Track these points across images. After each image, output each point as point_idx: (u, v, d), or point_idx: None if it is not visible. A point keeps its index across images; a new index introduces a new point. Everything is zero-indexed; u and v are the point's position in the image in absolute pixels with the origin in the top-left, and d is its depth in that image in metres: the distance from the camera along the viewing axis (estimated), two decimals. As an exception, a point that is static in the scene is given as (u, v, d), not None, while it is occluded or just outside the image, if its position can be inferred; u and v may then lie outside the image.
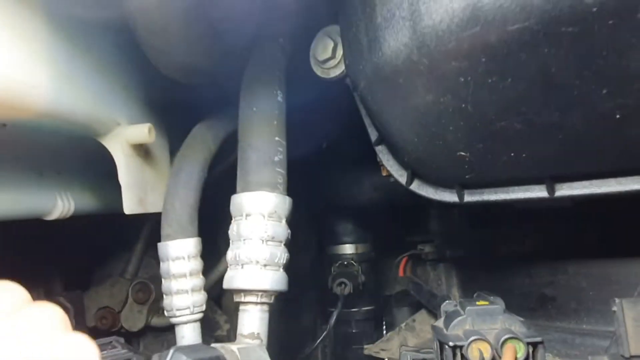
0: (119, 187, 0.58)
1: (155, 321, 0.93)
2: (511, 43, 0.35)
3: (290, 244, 0.58)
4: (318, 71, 0.61)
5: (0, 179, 0.53)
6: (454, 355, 0.53)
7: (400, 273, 1.05)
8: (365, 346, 1.01)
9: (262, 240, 0.54)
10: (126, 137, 0.57)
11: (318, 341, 1.03)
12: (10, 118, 0.45)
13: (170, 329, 0.77)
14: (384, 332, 1.23)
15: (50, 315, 0.27)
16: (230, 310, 1.00)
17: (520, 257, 0.77)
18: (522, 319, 0.55)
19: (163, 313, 0.91)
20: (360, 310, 1.17)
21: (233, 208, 0.57)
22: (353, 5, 0.49)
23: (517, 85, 0.38)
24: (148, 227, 0.88)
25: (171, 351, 0.43)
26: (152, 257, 0.93)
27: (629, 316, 0.44)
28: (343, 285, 1.06)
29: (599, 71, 0.34)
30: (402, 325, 0.96)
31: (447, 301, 0.62)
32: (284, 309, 1.05)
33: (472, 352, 0.52)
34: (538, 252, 0.75)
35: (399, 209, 1.08)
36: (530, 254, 0.75)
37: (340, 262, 1.15)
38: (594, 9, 0.32)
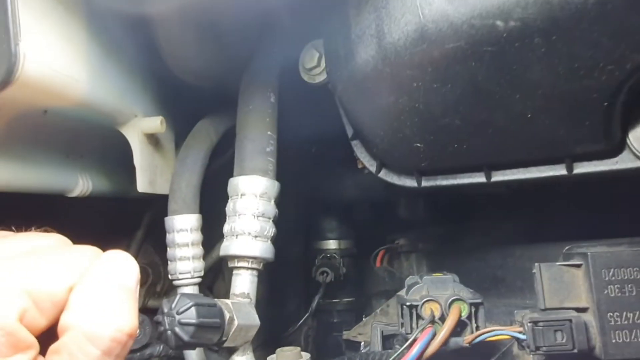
0: (130, 173, 0.68)
1: (152, 303, 1.02)
2: (448, 58, 0.47)
3: (277, 221, 0.69)
4: (305, 77, 0.72)
5: (35, 157, 0.63)
6: (410, 314, 0.64)
7: (378, 264, 1.16)
8: (344, 332, 1.11)
9: (254, 216, 0.65)
10: (141, 127, 0.68)
11: (300, 322, 1.12)
12: (53, 105, 0.56)
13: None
14: (363, 321, 1.32)
15: None
16: (221, 296, 1.10)
17: (478, 245, 0.89)
18: (470, 289, 0.66)
19: (159, 296, 1.01)
20: (342, 301, 1.26)
21: (230, 189, 0.67)
22: (334, 25, 0.60)
23: (455, 90, 0.49)
24: (148, 216, 0.98)
25: (178, 296, 0.53)
26: (150, 244, 1.02)
27: (545, 277, 0.55)
28: (325, 274, 1.16)
29: (512, 80, 0.46)
30: (378, 310, 1.06)
31: (410, 276, 0.73)
32: (271, 298, 1.14)
33: (425, 310, 0.63)
34: (492, 240, 0.86)
35: (380, 209, 1.18)
36: (486, 243, 0.86)
37: (323, 255, 1.25)
38: (505, 34, 0.43)
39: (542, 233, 0.73)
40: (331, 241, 1.29)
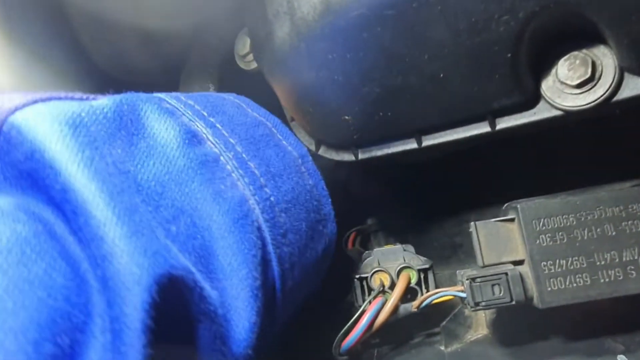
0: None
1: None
2: (355, 25, 0.47)
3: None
4: (241, 65, 0.73)
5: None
6: (362, 286, 0.64)
7: (349, 246, 1.17)
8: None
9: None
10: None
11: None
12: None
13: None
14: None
15: None
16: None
17: (436, 215, 0.89)
18: (423, 257, 0.67)
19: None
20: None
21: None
22: (253, 9, 0.60)
23: (367, 57, 0.50)
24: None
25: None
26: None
27: (481, 234, 0.55)
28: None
29: (417, 41, 0.46)
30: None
31: (366, 251, 0.74)
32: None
33: (375, 281, 0.64)
34: (448, 209, 0.87)
35: (349, 194, 1.19)
36: (443, 212, 0.87)
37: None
38: (402, -4, 0.44)
39: (490, 196, 0.74)
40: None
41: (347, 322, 0.59)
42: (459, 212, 0.82)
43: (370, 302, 0.60)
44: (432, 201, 0.92)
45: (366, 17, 0.46)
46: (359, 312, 0.60)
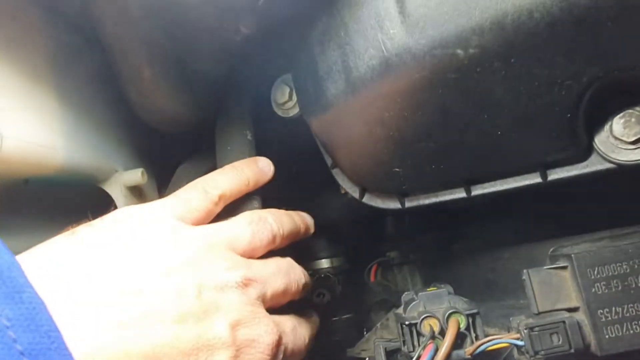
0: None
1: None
2: (415, 87, 0.49)
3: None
4: (279, 112, 0.74)
5: (17, 226, 0.63)
6: (411, 332, 0.65)
7: (372, 279, 1.17)
8: (348, 350, 1.11)
9: (246, 256, 0.66)
10: (123, 181, 0.68)
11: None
12: (33, 174, 0.56)
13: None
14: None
15: None
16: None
17: (468, 251, 0.91)
18: (465, 298, 0.68)
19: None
20: (341, 319, 1.27)
21: (219, 231, 0.68)
22: (301, 62, 0.62)
23: (425, 116, 0.51)
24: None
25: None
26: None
27: (534, 281, 0.56)
28: (322, 296, 1.17)
29: (477, 102, 0.48)
30: (378, 325, 1.07)
31: (405, 292, 0.74)
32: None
33: (425, 327, 0.64)
34: (481, 244, 0.88)
35: (369, 224, 1.20)
36: (475, 248, 0.88)
37: (317, 275, 1.25)
38: (465, 61, 0.45)
39: (528, 233, 0.75)
40: (323, 260, 1.29)
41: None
42: (493, 248, 0.83)
43: (423, 349, 0.61)
44: (464, 236, 0.93)
45: (428, 80, 0.48)
46: (414, 359, 0.60)
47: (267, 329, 0.48)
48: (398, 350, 0.79)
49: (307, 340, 0.58)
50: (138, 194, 0.72)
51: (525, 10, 0.41)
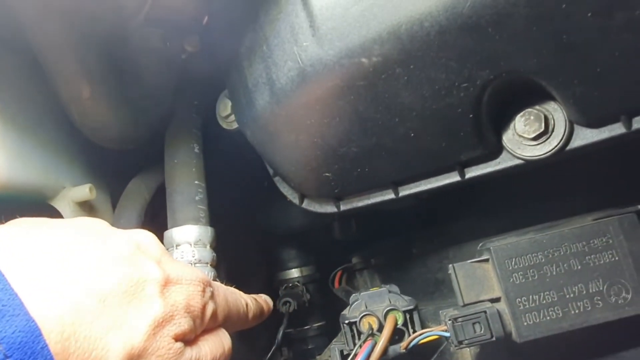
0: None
1: None
2: (330, 95, 0.52)
3: (217, 265, 0.72)
4: (224, 125, 0.77)
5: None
6: (351, 330, 0.67)
7: (336, 285, 1.19)
8: (317, 357, 1.13)
9: (192, 263, 0.68)
10: (71, 197, 0.70)
11: (269, 355, 1.14)
12: (-26, 193, 0.58)
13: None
14: (336, 344, 1.33)
15: None
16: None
17: (420, 253, 0.94)
18: (407, 297, 0.70)
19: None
20: (312, 327, 1.28)
21: (165, 242, 0.70)
22: (234, 77, 0.65)
23: (343, 122, 0.54)
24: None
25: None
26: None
27: (460, 275, 0.59)
28: (288, 304, 1.19)
29: (387, 107, 0.51)
30: (341, 332, 1.09)
31: (353, 294, 0.77)
32: (240, 336, 1.16)
33: (363, 325, 0.67)
34: (431, 247, 0.91)
35: (327, 230, 1.22)
36: (426, 250, 0.91)
37: (286, 285, 1.27)
38: (371, 69, 0.48)
39: (466, 233, 0.78)
40: (293, 270, 1.30)
41: None
42: (438, 249, 0.86)
43: (360, 345, 0.63)
44: (413, 240, 0.97)
45: (340, 88, 0.51)
46: (351, 356, 0.63)
47: None
48: (356, 352, 0.81)
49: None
50: (88, 209, 0.74)
51: (417, 20, 0.45)
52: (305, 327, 1.27)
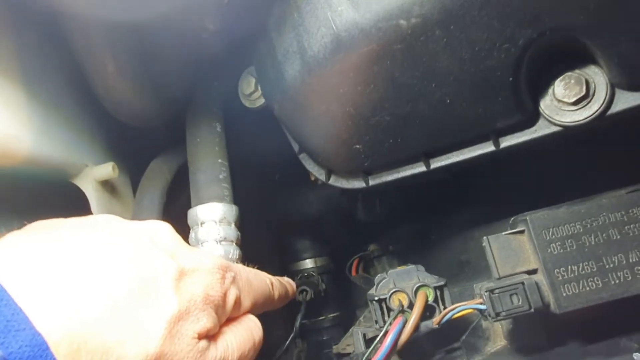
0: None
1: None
2: (365, 60, 0.51)
3: (241, 244, 0.71)
4: (247, 103, 0.76)
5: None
6: (381, 307, 0.66)
7: (353, 273, 1.18)
8: (334, 346, 1.12)
9: (217, 241, 0.67)
10: (94, 175, 0.69)
11: (286, 344, 1.12)
12: (-1, 165, 0.57)
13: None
14: (352, 334, 1.32)
15: None
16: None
17: (441, 236, 0.92)
18: (435, 275, 0.69)
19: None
20: (327, 317, 1.27)
21: (190, 220, 0.69)
22: (261, 51, 0.64)
23: (377, 89, 0.53)
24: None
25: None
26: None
27: (494, 247, 0.58)
28: (304, 293, 1.18)
29: (424, 71, 0.50)
30: (361, 318, 1.08)
31: (379, 274, 0.76)
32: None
33: (393, 302, 0.65)
34: (453, 229, 0.90)
35: (349, 220, 1.21)
36: (448, 233, 0.90)
37: (301, 275, 1.26)
38: (409, 32, 0.47)
39: (495, 212, 0.77)
40: (307, 260, 1.29)
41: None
42: (464, 230, 0.85)
43: (391, 322, 0.62)
44: (436, 222, 0.95)
45: (376, 52, 0.50)
46: (382, 332, 0.61)
47: None
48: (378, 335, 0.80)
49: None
50: (110, 189, 0.73)
51: (459, -23, 0.44)
52: (321, 318, 1.26)
